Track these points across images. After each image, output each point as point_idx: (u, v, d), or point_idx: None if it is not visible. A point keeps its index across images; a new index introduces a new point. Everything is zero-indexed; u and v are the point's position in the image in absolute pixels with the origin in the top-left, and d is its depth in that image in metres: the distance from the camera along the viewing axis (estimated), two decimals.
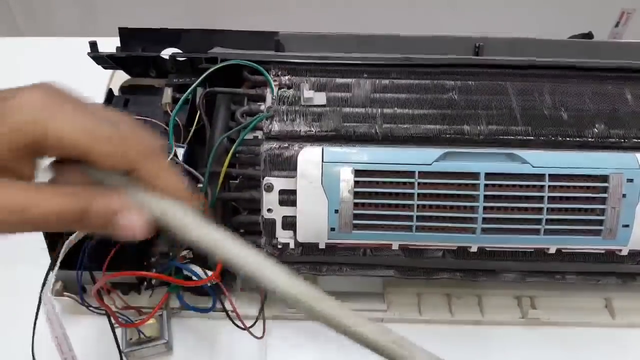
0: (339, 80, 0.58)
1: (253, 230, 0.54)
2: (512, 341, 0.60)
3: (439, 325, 0.60)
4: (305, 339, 0.59)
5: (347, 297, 0.59)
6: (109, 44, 0.64)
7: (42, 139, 0.28)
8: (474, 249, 0.51)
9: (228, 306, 0.55)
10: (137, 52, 0.63)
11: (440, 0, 1.52)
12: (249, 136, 0.54)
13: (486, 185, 0.49)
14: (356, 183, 0.50)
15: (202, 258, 0.52)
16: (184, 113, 0.58)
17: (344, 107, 0.55)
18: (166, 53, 0.62)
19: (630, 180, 0.49)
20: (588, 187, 0.50)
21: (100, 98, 0.71)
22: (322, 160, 0.50)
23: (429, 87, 0.58)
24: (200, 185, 0.53)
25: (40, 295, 0.51)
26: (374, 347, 0.31)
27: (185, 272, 0.50)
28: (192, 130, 0.57)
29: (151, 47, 0.63)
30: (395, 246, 0.52)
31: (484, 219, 0.49)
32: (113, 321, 0.53)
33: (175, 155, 0.54)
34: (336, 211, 0.50)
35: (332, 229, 0.51)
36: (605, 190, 0.50)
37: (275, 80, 0.57)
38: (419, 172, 0.49)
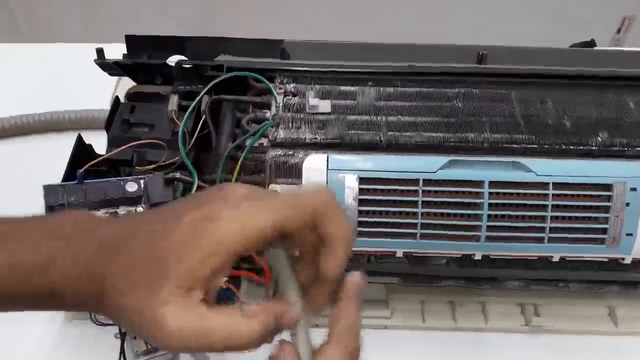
0: (344, 88, 0.59)
1: None
2: (516, 349, 0.60)
3: (442, 333, 0.60)
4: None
5: None
6: (113, 50, 0.64)
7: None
8: (478, 256, 0.52)
9: None
10: (143, 59, 0.63)
11: (443, 9, 1.53)
12: (254, 143, 0.55)
13: (490, 193, 0.49)
14: (361, 190, 0.50)
15: None
16: (189, 120, 0.58)
17: (349, 115, 0.56)
18: (172, 60, 0.62)
19: (634, 189, 0.50)
20: (592, 196, 0.50)
21: (105, 104, 0.72)
22: (327, 168, 0.51)
23: (433, 95, 0.58)
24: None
25: None
26: None
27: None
28: (195, 137, 0.57)
29: (157, 55, 0.64)
30: (399, 254, 0.52)
31: (488, 227, 0.50)
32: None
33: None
34: None
35: None
36: (608, 198, 0.50)
37: (280, 88, 0.58)
38: (424, 180, 0.50)
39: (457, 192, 0.50)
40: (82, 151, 0.57)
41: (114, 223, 0.33)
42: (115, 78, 0.69)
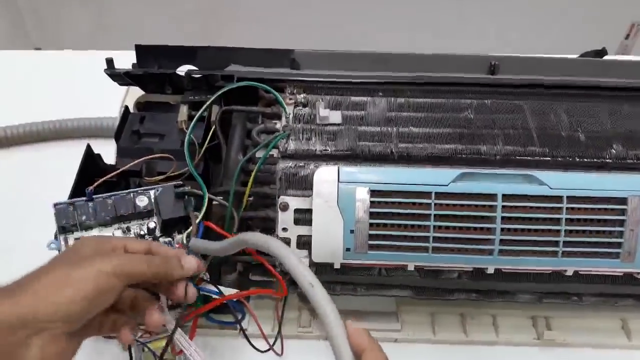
0: (355, 99, 0.58)
1: None
2: None
3: (453, 346, 0.60)
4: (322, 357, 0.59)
5: (360, 316, 0.60)
6: (123, 58, 0.64)
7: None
8: (490, 270, 0.51)
9: (244, 324, 0.55)
10: (153, 69, 0.63)
11: (452, 19, 1.52)
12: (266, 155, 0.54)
13: (504, 206, 0.49)
14: (372, 203, 0.49)
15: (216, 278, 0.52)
16: (199, 130, 0.58)
17: (360, 126, 0.55)
18: (182, 70, 0.62)
19: None
20: (606, 210, 0.50)
21: (115, 111, 0.72)
22: (338, 180, 0.50)
23: (444, 105, 0.58)
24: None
25: None
26: None
27: (203, 293, 0.50)
28: (204, 148, 0.57)
29: (167, 64, 0.63)
30: (411, 267, 0.51)
31: (501, 240, 0.49)
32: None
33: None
34: (352, 231, 0.50)
35: (348, 249, 0.50)
36: (623, 212, 0.49)
37: (290, 99, 0.58)
38: (436, 193, 0.49)
39: (469, 205, 0.49)
40: (90, 162, 0.57)
41: None
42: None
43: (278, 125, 0.56)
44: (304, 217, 0.52)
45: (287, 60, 0.63)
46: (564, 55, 0.71)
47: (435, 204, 0.49)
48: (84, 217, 0.51)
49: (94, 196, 0.52)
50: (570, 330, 0.60)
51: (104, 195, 0.52)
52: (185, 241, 0.51)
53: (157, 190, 0.52)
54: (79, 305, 0.38)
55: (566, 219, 0.49)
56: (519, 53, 0.67)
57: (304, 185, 0.52)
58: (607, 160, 0.53)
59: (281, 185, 0.52)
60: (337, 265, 0.52)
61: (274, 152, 0.54)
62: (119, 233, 0.52)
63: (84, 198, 0.52)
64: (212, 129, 0.58)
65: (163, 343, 0.52)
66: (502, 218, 0.49)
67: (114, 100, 0.73)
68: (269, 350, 0.55)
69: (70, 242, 0.51)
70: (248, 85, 0.58)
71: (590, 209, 0.49)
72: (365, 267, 0.54)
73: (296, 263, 0.37)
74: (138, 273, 0.41)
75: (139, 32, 1.50)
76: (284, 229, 0.52)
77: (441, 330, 0.60)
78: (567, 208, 0.49)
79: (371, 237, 0.50)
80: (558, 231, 0.49)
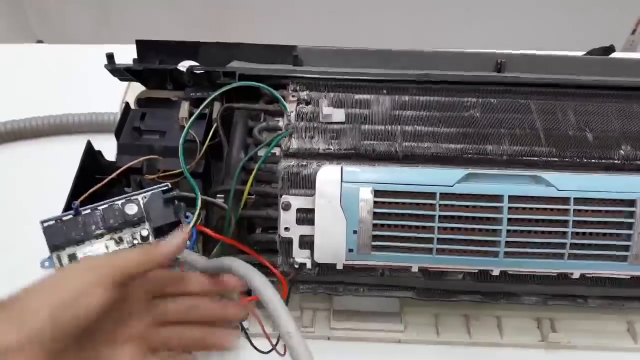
0: (358, 96, 0.57)
1: (269, 248, 0.54)
2: None
3: (456, 347, 0.59)
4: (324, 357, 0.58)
5: (362, 317, 0.59)
6: (126, 52, 0.63)
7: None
8: (495, 272, 0.50)
9: (245, 324, 0.54)
10: (154, 64, 0.62)
11: (458, 15, 1.51)
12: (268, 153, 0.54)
13: (510, 208, 0.48)
14: (375, 203, 0.49)
15: None
16: (200, 128, 0.57)
17: (363, 124, 0.54)
18: (183, 65, 0.61)
19: None
20: (614, 212, 0.49)
21: (116, 105, 0.71)
22: (341, 180, 0.49)
23: (450, 104, 0.57)
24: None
25: None
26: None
27: None
28: (205, 146, 0.56)
29: (168, 60, 0.63)
30: (414, 268, 0.51)
31: (506, 242, 0.48)
32: None
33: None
34: (354, 232, 0.49)
35: (350, 250, 0.50)
36: (632, 214, 0.48)
37: (293, 96, 0.57)
38: (441, 194, 0.48)
39: (475, 206, 0.48)
40: (91, 159, 0.56)
41: None
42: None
43: (280, 123, 0.55)
44: (306, 216, 0.51)
45: (290, 57, 0.62)
46: (569, 50, 0.70)
47: (440, 205, 0.48)
48: (73, 233, 0.50)
49: (80, 209, 0.50)
50: (575, 332, 0.60)
51: (91, 206, 0.51)
52: None
53: (145, 197, 0.51)
54: (48, 315, 0.32)
55: (573, 221, 0.48)
56: (524, 49, 0.66)
57: (307, 184, 0.51)
58: (615, 161, 0.52)
59: (283, 184, 0.51)
60: (339, 266, 0.51)
61: (276, 151, 0.54)
62: (111, 244, 0.51)
63: (71, 212, 0.50)
64: (214, 127, 0.57)
65: None
66: (508, 220, 0.48)
67: (116, 95, 0.72)
68: (271, 350, 0.54)
69: (64, 259, 0.50)
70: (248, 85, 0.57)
71: (597, 211, 0.48)
72: (369, 268, 0.53)
73: (278, 307, 0.36)
74: (119, 266, 0.37)
75: (142, 26, 1.49)
76: (286, 229, 0.51)
77: (445, 331, 0.59)
78: (574, 210, 0.48)
79: (374, 237, 0.49)
80: (565, 233, 0.48)
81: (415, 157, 0.52)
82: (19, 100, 0.81)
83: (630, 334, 0.60)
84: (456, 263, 0.49)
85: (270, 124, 0.56)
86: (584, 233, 0.49)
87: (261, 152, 0.54)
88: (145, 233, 0.50)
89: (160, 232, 0.51)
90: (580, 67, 0.63)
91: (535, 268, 0.50)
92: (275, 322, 0.35)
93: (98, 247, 0.50)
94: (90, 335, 0.36)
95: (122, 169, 0.54)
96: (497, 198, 0.48)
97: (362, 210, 0.49)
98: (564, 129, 0.54)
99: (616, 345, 0.60)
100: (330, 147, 0.53)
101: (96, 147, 0.58)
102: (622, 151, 0.52)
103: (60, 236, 0.49)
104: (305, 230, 0.51)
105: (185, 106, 0.59)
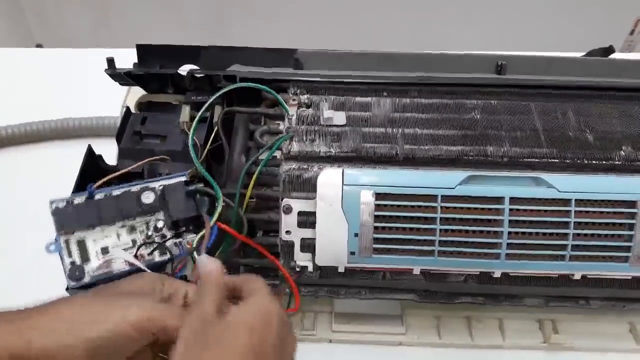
0: (359, 99, 0.57)
1: (270, 252, 0.54)
2: None
3: (458, 350, 0.59)
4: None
5: (364, 320, 0.59)
6: (126, 56, 0.63)
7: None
8: (497, 274, 0.50)
9: None
10: (155, 69, 0.62)
11: (458, 17, 1.51)
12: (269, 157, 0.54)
13: (511, 210, 0.48)
14: (377, 206, 0.49)
15: None
16: (201, 131, 0.57)
17: (364, 127, 0.54)
18: (184, 70, 0.61)
19: None
20: (615, 213, 0.49)
21: (117, 109, 0.71)
22: (342, 183, 0.49)
23: (450, 106, 0.57)
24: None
25: None
26: None
27: None
28: (207, 149, 0.56)
29: (169, 64, 0.62)
30: (416, 271, 0.51)
31: (508, 244, 0.48)
32: None
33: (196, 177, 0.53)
34: (356, 235, 0.49)
35: (352, 253, 0.50)
36: (633, 216, 0.48)
37: (294, 99, 0.57)
38: (442, 196, 0.48)
39: (476, 208, 0.48)
40: (91, 163, 0.56)
41: None
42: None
43: (281, 127, 0.55)
44: (307, 219, 0.51)
45: (291, 60, 0.62)
46: (568, 50, 0.70)
47: (441, 207, 0.48)
48: (84, 217, 0.47)
49: (95, 192, 0.48)
50: (577, 334, 0.60)
51: (106, 189, 0.49)
52: (195, 244, 0.48)
53: (162, 187, 0.50)
54: (79, 350, 0.33)
55: (574, 223, 0.48)
56: (523, 51, 0.66)
57: (308, 187, 0.51)
58: (616, 162, 0.52)
59: (284, 187, 0.51)
60: (341, 269, 0.51)
61: (277, 154, 0.54)
62: (123, 232, 0.49)
63: (84, 194, 0.48)
64: (215, 130, 0.57)
65: None
66: (510, 221, 0.48)
67: (116, 99, 0.72)
68: None
69: (72, 244, 0.47)
70: (249, 86, 0.57)
71: (599, 212, 0.49)
72: (370, 271, 0.53)
73: None
74: (169, 327, 0.35)
75: (142, 30, 1.49)
76: (288, 232, 0.51)
77: (446, 333, 0.59)
78: (575, 211, 0.48)
79: (376, 240, 0.49)
80: (566, 235, 0.48)
81: (416, 160, 0.52)
82: (19, 104, 0.81)
83: (632, 335, 0.60)
84: (458, 265, 0.50)
85: (271, 127, 0.56)
86: (585, 234, 0.49)
87: (262, 156, 0.54)
88: (160, 225, 0.49)
89: (176, 224, 0.49)
90: (580, 68, 0.63)
91: (536, 270, 0.50)
92: None
93: (109, 235, 0.48)
94: None
95: (122, 171, 0.54)
96: (498, 200, 0.48)
97: (364, 213, 0.49)
98: (565, 131, 0.54)
99: (618, 347, 0.60)
100: (331, 150, 0.53)
101: (97, 151, 0.57)
102: (622, 152, 0.52)
103: (70, 219, 0.47)
104: (306, 233, 0.51)
105: (186, 110, 0.59)
